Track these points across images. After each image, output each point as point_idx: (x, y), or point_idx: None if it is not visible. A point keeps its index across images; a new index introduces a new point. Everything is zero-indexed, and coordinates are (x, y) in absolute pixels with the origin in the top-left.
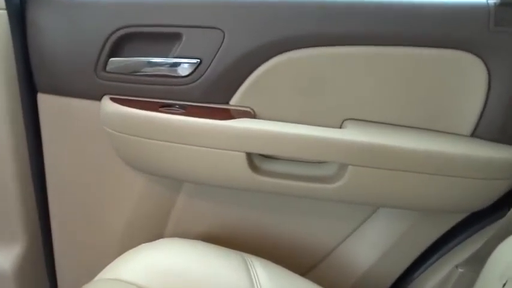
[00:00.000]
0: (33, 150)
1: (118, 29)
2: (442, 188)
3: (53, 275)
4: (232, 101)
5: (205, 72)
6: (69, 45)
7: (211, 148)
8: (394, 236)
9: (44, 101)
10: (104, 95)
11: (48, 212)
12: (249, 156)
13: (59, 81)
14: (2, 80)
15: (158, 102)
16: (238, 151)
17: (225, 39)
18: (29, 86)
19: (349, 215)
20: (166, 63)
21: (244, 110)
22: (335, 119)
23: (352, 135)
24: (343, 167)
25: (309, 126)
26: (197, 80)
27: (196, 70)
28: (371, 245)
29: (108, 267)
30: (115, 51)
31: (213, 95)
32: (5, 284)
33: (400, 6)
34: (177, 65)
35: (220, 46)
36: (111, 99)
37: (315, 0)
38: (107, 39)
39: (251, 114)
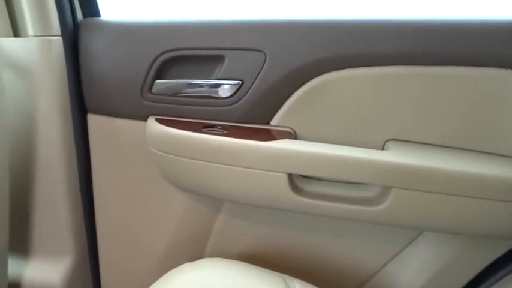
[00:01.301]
0: (83, 167)
1: (163, 53)
2: (487, 212)
3: (99, 286)
4: (273, 122)
5: (246, 93)
6: (117, 68)
7: (252, 169)
8: (439, 262)
9: (93, 120)
10: (149, 115)
11: (95, 227)
12: (291, 177)
13: (107, 102)
14: (56, 101)
15: (201, 122)
16: (279, 172)
17: (266, 61)
18: (80, 107)
19: (392, 238)
20: (209, 85)
21: (285, 131)
22: (377, 140)
23: (396, 157)
24: (386, 189)
25: (351, 148)
26: (239, 101)
27: (238, 91)
28: (414, 271)
29: (153, 285)
30: (160, 74)
31: (254, 116)
32: None
33: (442, 25)
34: (219, 86)
35: (262, 67)
36: (156, 119)
37: (356, 20)
38: (153, 62)
39: (292, 135)
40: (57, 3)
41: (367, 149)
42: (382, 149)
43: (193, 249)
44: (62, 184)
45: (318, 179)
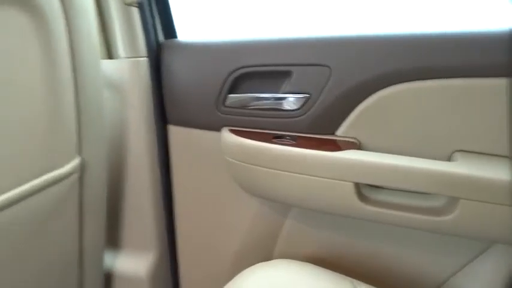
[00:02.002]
0: (164, 172)
1: (236, 70)
2: None
3: (177, 282)
4: (339, 132)
5: (313, 105)
6: (195, 84)
7: (320, 177)
8: (509, 275)
9: (173, 131)
10: (223, 126)
11: (175, 227)
12: (357, 186)
13: (185, 114)
14: (142, 114)
15: (271, 133)
16: (346, 181)
17: (332, 75)
18: (162, 119)
19: (459, 249)
20: (278, 98)
21: (350, 141)
22: (444, 151)
23: (463, 168)
24: (453, 199)
25: (418, 159)
26: (306, 113)
27: (305, 104)
28: (483, 284)
29: (231, 283)
30: (233, 88)
31: (320, 127)
32: (141, 287)
33: (508, 36)
34: (287, 99)
35: (328, 81)
36: (230, 130)
37: (420, 33)
38: (226, 78)
39: (357, 145)
40: (143, 28)
41: (435, 160)
42: (449, 160)
43: (263, 250)
44: (146, 188)
45: (385, 188)
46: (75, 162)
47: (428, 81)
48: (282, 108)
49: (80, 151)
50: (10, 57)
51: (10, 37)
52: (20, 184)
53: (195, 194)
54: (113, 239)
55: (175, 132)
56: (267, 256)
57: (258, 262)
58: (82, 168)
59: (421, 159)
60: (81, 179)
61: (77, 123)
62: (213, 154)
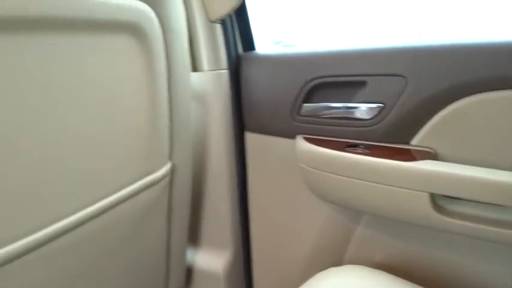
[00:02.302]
0: (241, 175)
1: (311, 80)
2: None
3: (251, 279)
4: (414, 141)
5: (388, 115)
6: (271, 93)
7: (395, 187)
8: None
9: (250, 137)
10: (298, 134)
11: (250, 228)
12: (432, 196)
13: (262, 122)
14: (221, 122)
15: (344, 141)
16: (421, 191)
17: (407, 85)
18: (239, 126)
19: None
20: (352, 108)
21: (425, 151)
22: None
23: None
24: None
25: (496, 170)
26: (380, 122)
27: (380, 114)
28: None
29: (304, 286)
30: (308, 98)
31: (394, 136)
32: (218, 284)
33: None
34: (361, 109)
35: (403, 91)
36: (304, 138)
37: (497, 42)
38: (302, 88)
39: (432, 155)
40: (225, 42)
41: None
42: None
43: (334, 255)
44: (225, 190)
45: (461, 199)
46: (167, 166)
47: (506, 91)
48: (356, 117)
49: (170, 156)
50: (119, 75)
51: (120, 58)
52: (122, 187)
53: (269, 197)
54: (193, 237)
55: (252, 139)
56: (337, 261)
57: (328, 266)
58: (172, 172)
59: (498, 171)
60: (171, 183)
61: (169, 131)
62: (287, 160)
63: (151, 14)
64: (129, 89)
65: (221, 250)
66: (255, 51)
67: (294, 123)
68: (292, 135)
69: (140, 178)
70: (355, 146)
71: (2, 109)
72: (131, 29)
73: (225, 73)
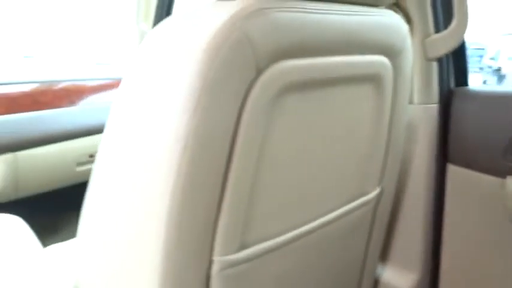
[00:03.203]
0: (437, 204)
1: None
2: None
3: None
4: None
5: None
6: (483, 129)
7: None
8: None
9: (452, 170)
10: (509, 175)
11: (440, 255)
12: None
13: (469, 156)
14: (425, 151)
15: None
16: None
17: None
18: (443, 158)
19: None
20: None
21: None
22: None
23: None
24: None
25: None
26: None
27: None
28: None
29: None
30: None
31: None
32: None
33: None
34: None
35: None
36: None
37: None
38: None
39: None
40: (439, 78)
41: None
42: None
43: None
44: (420, 215)
45: None
46: (376, 191)
47: None
48: None
49: (380, 182)
50: (357, 114)
51: (362, 102)
52: (342, 205)
53: (465, 231)
54: (383, 252)
55: (454, 171)
56: None
57: None
58: (379, 197)
59: None
60: (375, 206)
61: (384, 158)
62: (492, 198)
63: (389, 64)
64: (361, 122)
65: (408, 270)
66: (468, 87)
67: (506, 163)
68: (501, 174)
69: (356, 198)
70: None
71: (316, 135)
72: (372, 79)
73: (435, 107)
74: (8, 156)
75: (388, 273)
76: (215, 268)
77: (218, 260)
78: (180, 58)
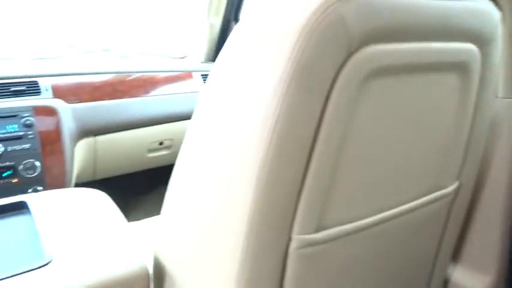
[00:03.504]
0: None
1: None
2: None
3: None
4: None
5: None
6: None
7: None
8: None
9: None
10: None
11: None
12: None
13: None
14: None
15: None
16: None
17: None
18: None
19: None
20: None
21: None
22: None
23: None
24: None
25: None
26: None
27: None
28: None
29: None
30: None
31: None
32: None
33: None
34: None
35: None
36: None
37: None
38: None
39: None
40: None
41: None
42: None
43: None
44: (499, 216)
45: None
46: (454, 185)
47: None
48: None
49: (459, 176)
50: (441, 104)
51: (447, 91)
52: (419, 197)
53: None
54: (456, 251)
55: None
56: None
57: None
58: (456, 192)
59: None
60: (452, 201)
61: (464, 151)
62: None
63: (477, 53)
64: (444, 112)
65: (482, 272)
66: None
67: None
68: None
69: (432, 191)
70: None
71: (400, 122)
72: (459, 67)
73: None
74: (90, 139)
75: (459, 274)
76: (293, 245)
77: (297, 238)
78: (274, 40)
